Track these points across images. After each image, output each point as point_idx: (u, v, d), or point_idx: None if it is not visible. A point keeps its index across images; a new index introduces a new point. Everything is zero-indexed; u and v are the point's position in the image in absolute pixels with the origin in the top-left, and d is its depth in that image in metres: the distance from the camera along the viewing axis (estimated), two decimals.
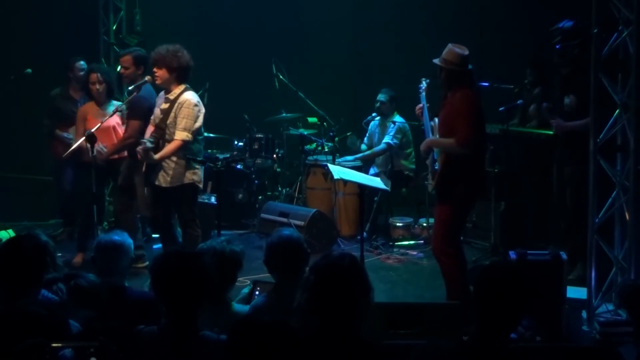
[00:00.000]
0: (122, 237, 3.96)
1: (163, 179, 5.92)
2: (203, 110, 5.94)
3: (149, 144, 5.75)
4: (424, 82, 5.74)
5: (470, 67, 5.25)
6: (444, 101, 5.34)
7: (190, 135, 5.79)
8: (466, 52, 5.22)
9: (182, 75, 5.88)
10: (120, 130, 6.66)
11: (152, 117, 6.11)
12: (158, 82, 5.92)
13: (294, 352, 2.43)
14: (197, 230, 6.01)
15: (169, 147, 5.81)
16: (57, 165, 7.58)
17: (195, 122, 5.82)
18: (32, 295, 3.28)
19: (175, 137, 5.78)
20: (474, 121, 5.15)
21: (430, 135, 5.48)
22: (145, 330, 3.06)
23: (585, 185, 5.26)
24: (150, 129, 6.05)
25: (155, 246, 7.07)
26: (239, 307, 3.78)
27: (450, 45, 5.26)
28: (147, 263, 6.56)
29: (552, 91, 6.65)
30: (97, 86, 6.68)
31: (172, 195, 5.96)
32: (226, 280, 3.76)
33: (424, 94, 5.69)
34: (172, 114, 5.82)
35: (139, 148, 5.81)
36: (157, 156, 5.78)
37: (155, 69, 5.88)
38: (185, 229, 6.06)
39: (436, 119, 5.45)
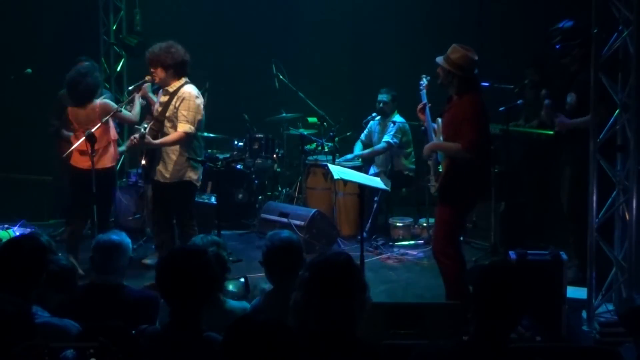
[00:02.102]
0: (121, 236, 3.98)
1: (161, 175, 5.96)
2: (203, 102, 5.99)
3: (142, 130, 5.76)
4: (424, 79, 5.71)
5: (476, 71, 5.26)
6: (449, 103, 5.34)
7: (193, 128, 5.84)
8: (476, 56, 5.21)
9: (179, 70, 5.92)
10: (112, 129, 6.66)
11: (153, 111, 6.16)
12: (157, 81, 5.96)
13: (290, 352, 2.42)
14: (194, 229, 6.02)
15: (171, 136, 5.85)
16: (62, 164, 7.58)
17: (197, 114, 5.87)
18: (30, 296, 3.26)
19: (179, 129, 5.82)
20: (479, 126, 5.15)
21: (433, 136, 5.47)
22: (148, 330, 3.06)
23: (585, 186, 5.26)
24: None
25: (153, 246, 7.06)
26: (234, 304, 3.78)
27: (459, 48, 5.19)
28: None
29: (555, 90, 6.63)
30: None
31: (170, 192, 5.98)
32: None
33: (424, 91, 5.67)
34: (171, 107, 5.86)
35: (134, 135, 5.83)
36: (157, 141, 5.79)
37: (151, 69, 5.91)
38: (182, 228, 6.08)
39: (439, 120, 5.44)
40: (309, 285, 2.74)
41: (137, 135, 5.79)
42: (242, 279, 4.11)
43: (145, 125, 5.82)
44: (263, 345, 2.38)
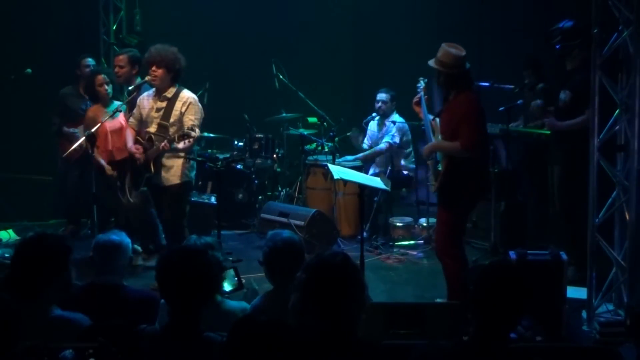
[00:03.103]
0: (120, 236, 3.98)
1: (165, 179, 5.98)
2: None
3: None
4: (422, 82, 5.72)
5: (468, 66, 5.24)
6: (445, 104, 5.34)
7: (199, 131, 5.94)
8: (463, 52, 5.19)
9: (178, 76, 5.99)
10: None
11: (131, 120, 6.12)
12: (156, 82, 5.95)
13: (293, 352, 2.42)
14: (185, 230, 6.03)
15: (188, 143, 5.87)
16: (64, 163, 7.59)
17: (201, 117, 6.01)
18: (50, 293, 3.26)
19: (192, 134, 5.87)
20: (477, 124, 5.15)
21: (431, 136, 5.47)
22: (147, 330, 3.05)
23: (573, 185, 5.26)
24: (130, 132, 6.08)
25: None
26: (232, 304, 3.76)
27: (445, 47, 5.20)
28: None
29: (551, 88, 6.64)
30: (106, 87, 6.67)
31: (170, 193, 6.00)
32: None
33: (422, 93, 5.68)
34: (175, 112, 5.91)
35: (162, 145, 5.82)
36: (181, 146, 5.80)
37: (154, 68, 5.88)
38: (173, 229, 6.07)
39: (437, 120, 5.44)
40: (307, 287, 2.74)
41: (166, 142, 5.81)
42: (232, 271, 4.07)
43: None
44: (266, 345, 2.38)
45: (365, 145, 8.44)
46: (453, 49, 5.18)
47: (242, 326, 2.47)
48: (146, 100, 6.09)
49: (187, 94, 5.98)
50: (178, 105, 5.92)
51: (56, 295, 3.34)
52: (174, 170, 5.99)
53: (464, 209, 5.41)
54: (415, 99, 5.64)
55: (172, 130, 5.90)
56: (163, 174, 6.00)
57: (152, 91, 6.09)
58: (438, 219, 5.50)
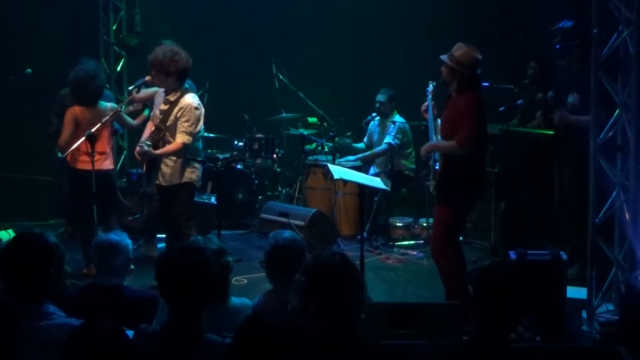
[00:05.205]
0: (120, 236, 3.97)
1: (163, 178, 5.97)
2: (203, 111, 5.96)
3: (145, 147, 5.79)
4: (430, 85, 5.67)
5: (479, 71, 5.24)
6: (447, 102, 5.34)
7: (190, 139, 5.85)
8: (480, 56, 5.19)
9: (181, 78, 5.89)
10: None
11: (152, 114, 6.13)
12: (157, 84, 5.95)
13: (300, 353, 2.41)
14: (191, 230, 6.00)
15: (169, 147, 5.87)
16: (62, 164, 7.58)
17: (196, 125, 5.87)
18: (42, 294, 3.23)
19: (177, 140, 5.83)
20: (476, 123, 5.14)
21: (433, 136, 5.47)
22: (147, 330, 3.04)
23: (584, 185, 5.26)
24: (149, 127, 6.09)
25: (159, 245, 7.09)
26: (235, 301, 3.77)
27: (463, 46, 5.17)
28: None
29: (556, 90, 6.63)
30: None
31: (170, 194, 5.99)
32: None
33: (430, 97, 5.64)
34: (172, 117, 5.85)
35: (137, 151, 5.88)
36: (157, 152, 5.82)
37: (153, 72, 5.88)
38: (179, 230, 6.05)
39: (439, 120, 5.44)
40: (306, 289, 2.73)
41: (138, 152, 5.86)
42: None
43: (149, 143, 5.84)
44: (276, 346, 2.36)
45: (362, 145, 8.45)
46: (473, 51, 5.16)
47: (251, 327, 2.45)
48: (159, 98, 6.07)
49: (187, 100, 5.85)
50: (176, 110, 5.87)
51: (48, 290, 3.29)
52: (171, 170, 5.96)
53: (461, 208, 5.40)
54: (423, 108, 5.63)
55: (168, 134, 5.89)
56: (161, 173, 5.99)
57: None
58: (435, 218, 5.50)
